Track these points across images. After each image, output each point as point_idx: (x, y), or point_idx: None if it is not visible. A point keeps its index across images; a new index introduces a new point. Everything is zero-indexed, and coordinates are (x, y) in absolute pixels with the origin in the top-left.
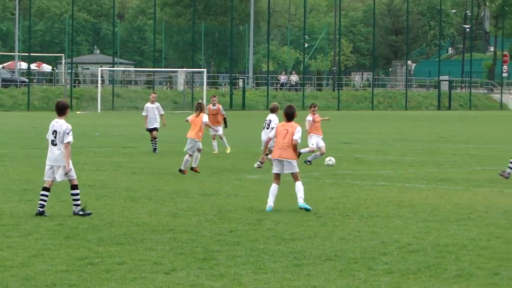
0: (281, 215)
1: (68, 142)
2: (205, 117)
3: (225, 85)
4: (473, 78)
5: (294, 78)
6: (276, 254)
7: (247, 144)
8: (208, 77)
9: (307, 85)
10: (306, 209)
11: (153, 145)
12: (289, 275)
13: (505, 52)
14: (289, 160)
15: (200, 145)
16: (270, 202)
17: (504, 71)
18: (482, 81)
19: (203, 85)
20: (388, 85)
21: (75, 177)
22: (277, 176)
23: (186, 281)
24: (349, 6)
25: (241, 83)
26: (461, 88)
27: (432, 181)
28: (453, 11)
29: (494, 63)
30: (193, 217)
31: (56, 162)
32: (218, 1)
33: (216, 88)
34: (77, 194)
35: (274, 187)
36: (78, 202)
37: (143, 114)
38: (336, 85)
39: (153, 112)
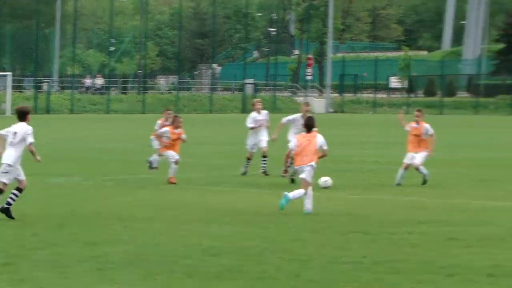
0: (84, 219)
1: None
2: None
3: (29, 88)
4: (278, 81)
5: (100, 81)
6: (79, 258)
7: (51, 147)
8: (13, 81)
9: (112, 89)
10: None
11: None
12: (92, 279)
13: (310, 56)
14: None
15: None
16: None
17: (308, 74)
18: (287, 84)
19: (6, 89)
20: (194, 89)
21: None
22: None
23: None
24: (156, 9)
25: (45, 87)
26: (266, 91)
27: (236, 184)
28: (259, 14)
29: (298, 67)
30: None
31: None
32: (24, 4)
33: (21, 91)
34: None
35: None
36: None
37: None
38: (141, 88)
39: None
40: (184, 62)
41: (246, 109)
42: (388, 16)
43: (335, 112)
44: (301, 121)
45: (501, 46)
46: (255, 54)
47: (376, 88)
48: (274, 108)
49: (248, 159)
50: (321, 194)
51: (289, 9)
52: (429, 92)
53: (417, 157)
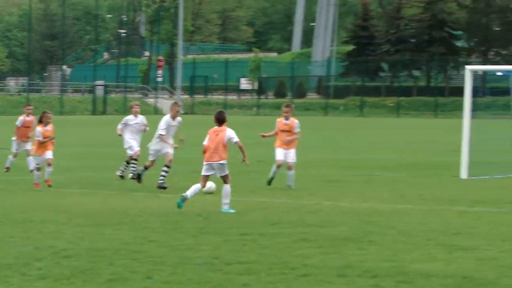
0: None
1: None
2: None
3: None
4: (128, 82)
5: None
6: None
7: None
8: None
9: None
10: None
11: None
12: None
13: (160, 57)
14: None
15: None
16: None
17: (159, 76)
18: (137, 86)
19: None
20: (44, 90)
21: None
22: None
23: None
24: (5, 11)
25: None
26: (116, 92)
27: (88, 185)
28: (109, 16)
29: (149, 68)
30: None
31: None
32: None
33: None
34: None
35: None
36: None
37: None
38: None
39: None
40: (34, 63)
41: (96, 111)
42: (238, 18)
43: (186, 113)
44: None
45: (350, 47)
46: (105, 55)
47: (227, 89)
48: (125, 110)
49: (127, 161)
50: (171, 196)
51: (139, 10)
52: (279, 94)
53: (290, 156)
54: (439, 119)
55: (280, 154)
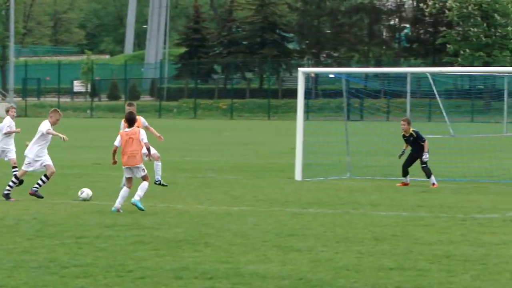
0: None
1: None
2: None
3: None
4: None
5: None
6: None
7: None
8: None
9: None
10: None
11: None
12: None
13: None
14: None
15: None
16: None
17: None
18: None
19: None
20: None
21: None
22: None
23: None
24: None
25: None
26: None
27: None
28: None
29: None
30: None
31: None
32: None
33: None
34: None
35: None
36: None
37: None
38: None
39: None
40: None
41: None
42: (70, 20)
43: (19, 116)
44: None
45: (182, 50)
46: None
47: (60, 92)
48: None
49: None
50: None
51: None
52: (113, 96)
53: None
54: (272, 121)
55: None
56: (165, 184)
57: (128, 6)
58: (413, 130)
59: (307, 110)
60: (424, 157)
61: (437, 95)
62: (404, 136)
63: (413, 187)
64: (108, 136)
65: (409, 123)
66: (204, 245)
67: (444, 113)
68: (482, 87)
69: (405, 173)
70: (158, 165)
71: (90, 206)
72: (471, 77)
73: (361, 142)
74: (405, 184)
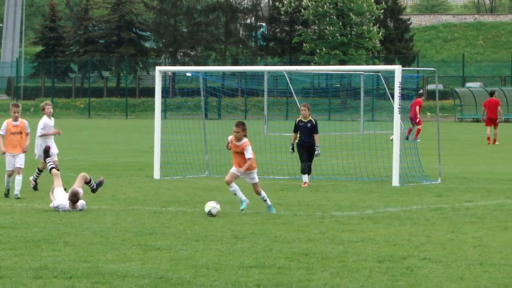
0: None
1: None
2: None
3: None
4: None
5: None
6: None
7: None
8: None
9: None
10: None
11: None
12: None
13: None
14: None
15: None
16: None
17: None
18: None
19: None
20: None
21: None
22: None
23: None
24: None
25: None
26: None
27: None
28: None
29: None
30: None
31: None
32: None
33: None
34: None
35: None
36: None
37: None
38: None
39: None
40: None
41: None
42: None
43: None
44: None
45: (39, 48)
46: None
47: None
48: None
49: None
50: None
51: None
52: None
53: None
54: (130, 120)
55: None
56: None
57: None
58: (312, 118)
59: (165, 109)
60: (317, 151)
61: (294, 94)
62: (300, 122)
63: (272, 185)
64: None
65: (309, 109)
66: (63, 244)
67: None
68: (338, 85)
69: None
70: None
71: None
72: (328, 76)
73: (219, 140)
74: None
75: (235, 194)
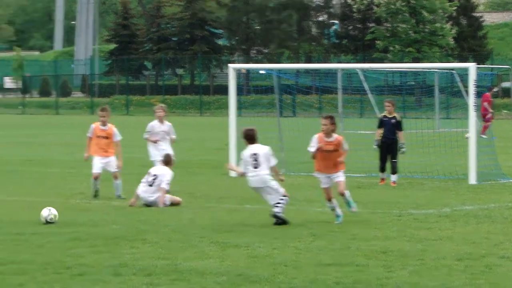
0: None
1: None
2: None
3: None
4: None
5: None
6: None
7: None
8: None
9: None
10: None
11: None
12: None
13: None
14: None
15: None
16: None
17: None
18: None
19: None
20: None
21: None
22: None
23: None
24: None
25: None
26: None
27: None
28: None
29: None
30: None
31: None
32: None
33: None
34: None
35: None
36: None
37: None
38: None
39: None
40: None
41: None
42: None
43: None
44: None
45: (112, 46)
46: None
47: None
48: None
49: None
50: None
51: None
52: (44, 92)
53: (111, 164)
54: (204, 117)
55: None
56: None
57: (55, 2)
58: (396, 114)
59: (240, 106)
60: (403, 149)
61: (368, 91)
62: (385, 117)
63: (348, 182)
64: (40, 133)
65: (393, 105)
66: (142, 241)
67: (376, 109)
68: (413, 83)
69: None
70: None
71: (25, 203)
72: (402, 73)
73: (295, 138)
74: (384, 180)
75: (333, 210)
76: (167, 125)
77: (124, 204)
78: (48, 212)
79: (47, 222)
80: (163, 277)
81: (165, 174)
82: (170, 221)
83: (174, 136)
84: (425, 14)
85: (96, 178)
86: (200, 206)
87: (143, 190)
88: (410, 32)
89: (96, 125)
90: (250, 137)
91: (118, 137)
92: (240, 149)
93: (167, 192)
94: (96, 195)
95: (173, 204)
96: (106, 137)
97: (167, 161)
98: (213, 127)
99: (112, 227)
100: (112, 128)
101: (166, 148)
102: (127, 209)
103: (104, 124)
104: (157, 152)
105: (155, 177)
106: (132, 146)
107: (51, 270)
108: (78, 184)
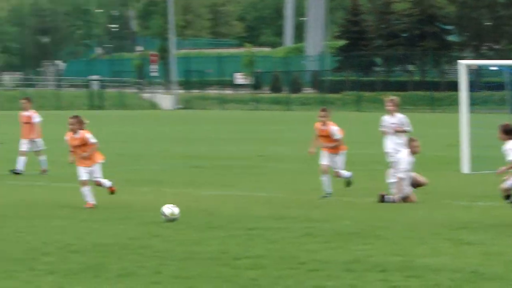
0: None
1: None
2: None
3: None
4: (123, 77)
5: None
6: None
7: None
8: None
9: None
10: None
11: None
12: None
13: (152, 52)
14: None
15: None
16: None
17: (153, 70)
18: (132, 81)
19: None
20: (39, 85)
21: None
22: None
23: None
24: None
25: None
26: (112, 87)
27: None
28: (99, 10)
29: (143, 63)
30: None
31: None
32: None
33: None
34: None
35: None
36: None
37: None
38: None
39: None
40: (28, 58)
41: (93, 105)
42: (228, 12)
43: (183, 108)
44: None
45: (342, 42)
46: (98, 50)
47: (222, 84)
48: (121, 104)
49: None
50: (175, 191)
51: (128, 5)
52: (275, 88)
53: (337, 162)
54: (436, 114)
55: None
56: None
57: None
58: None
59: (471, 103)
60: None
61: None
62: None
63: None
64: (272, 129)
65: None
66: (375, 237)
67: None
68: None
69: None
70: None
71: (258, 198)
72: None
73: None
74: None
75: None
76: (398, 117)
77: (356, 200)
78: (170, 210)
79: (169, 219)
80: (396, 273)
81: (401, 161)
82: (402, 217)
83: (408, 128)
84: None
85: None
86: (433, 203)
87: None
88: None
89: (317, 124)
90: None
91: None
92: (474, 145)
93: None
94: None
95: (407, 200)
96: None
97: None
98: (443, 123)
99: (345, 223)
100: (331, 126)
101: (398, 141)
102: (359, 205)
103: (324, 124)
104: (391, 144)
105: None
106: (362, 142)
107: (284, 265)
108: (311, 180)
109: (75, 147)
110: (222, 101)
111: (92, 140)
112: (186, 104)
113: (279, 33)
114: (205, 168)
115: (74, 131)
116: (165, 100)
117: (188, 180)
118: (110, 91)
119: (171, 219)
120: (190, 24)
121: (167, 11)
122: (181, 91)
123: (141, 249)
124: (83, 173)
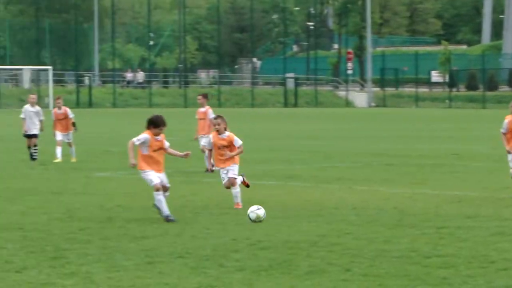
0: (132, 213)
1: None
2: None
3: (71, 82)
4: (319, 75)
5: (140, 75)
6: (127, 252)
7: (94, 142)
8: (54, 75)
9: (153, 83)
10: None
11: (33, 153)
12: (141, 272)
13: (349, 50)
14: None
15: None
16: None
17: (349, 68)
18: (328, 78)
19: (48, 83)
20: (234, 82)
21: None
22: None
23: (38, 280)
24: (193, 4)
25: (87, 81)
26: (307, 85)
27: (282, 178)
28: (297, 8)
29: (338, 61)
30: (42, 215)
31: None
32: None
33: (62, 85)
34: None
35: None
36: None
37: (21, 116)
38: (182, 82)
39: (33, 116)
40: (224, 56)
41: (288, 103)
42: (426, 10)
43: (378, 106)
44: None
45: None
46: (294, 48)
47: (417, 82)
48: (316, 102)
49: None
50: (366, 188)
51: (326, 3)
52: (471, 86)
53: None
54: None
55: None
56: None
57: None
58: None
59: None
60: None
61: None
62: None
63: None
64: (467, 127)
65: None
66: None
67: None
68: None
69: None
70: None
71: (449, 197)
72: None
73: None
74: None
75: None
76: None
77: None
78: (255, 215)
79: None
80: None
81: None
82: None
83: None
84: None
85: None
86: None
87: None
88: None
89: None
90: None
91: None
92: None
93: None
94: None
95: None
96: None
97: None
98: None
99: None
100: None
101: None
102: None
103: None
104: None
105: None
106: None
107: (475, 264)
108: (503, 178)
109: (220, 147)
110: (417, 99)
111: (239, 142)
112: (381, 102)
113: (476, 30)
114: (396, 166)
115: (221, 131)
116: (360, 98)
117: (379, 177)
118: (305, 88)
119: (258, 221)
120: (387, 22)
121: (364, 8)
122: (376, 89)
123: (330, 246)
124: (224, 174)
